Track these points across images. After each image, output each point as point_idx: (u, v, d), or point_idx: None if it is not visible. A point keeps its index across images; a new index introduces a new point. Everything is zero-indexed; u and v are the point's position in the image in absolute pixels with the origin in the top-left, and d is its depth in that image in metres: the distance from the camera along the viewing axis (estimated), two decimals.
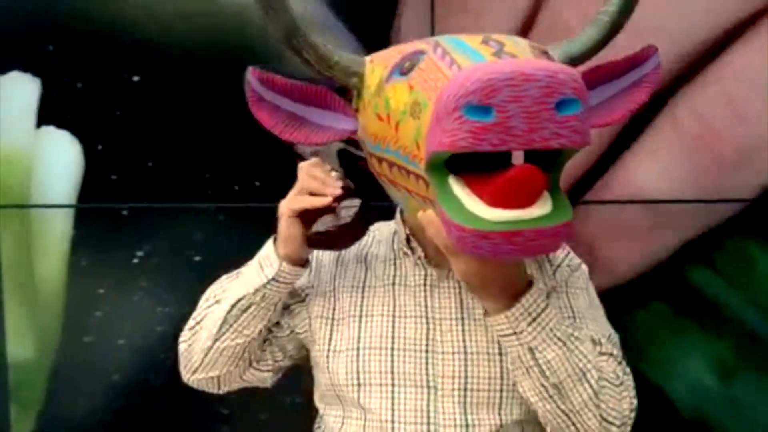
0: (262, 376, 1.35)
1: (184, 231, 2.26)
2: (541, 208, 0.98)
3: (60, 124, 2.26)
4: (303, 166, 1.20)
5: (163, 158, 2.26)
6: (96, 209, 2.27)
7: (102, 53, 2.24)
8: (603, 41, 1.17)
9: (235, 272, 1.33)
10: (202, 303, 1.33)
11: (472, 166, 1.00)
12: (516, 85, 0.91)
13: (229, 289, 1.29)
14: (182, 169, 2.26)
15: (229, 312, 1.25)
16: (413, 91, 1.02)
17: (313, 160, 1.21)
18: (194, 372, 1.31)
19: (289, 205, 1.19)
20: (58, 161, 2.27)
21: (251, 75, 1.09)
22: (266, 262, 1.24)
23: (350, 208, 1.19)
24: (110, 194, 2.27)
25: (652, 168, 2.17)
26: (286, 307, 1.32)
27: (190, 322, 1.33)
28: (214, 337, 1.26)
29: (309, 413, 1.41)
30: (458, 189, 1.00)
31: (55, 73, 2.25)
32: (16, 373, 2.30)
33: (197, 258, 2.25)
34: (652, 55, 1.16)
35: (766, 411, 2.19)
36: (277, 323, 1.32)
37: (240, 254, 1.33)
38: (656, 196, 2.17)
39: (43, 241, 2.28)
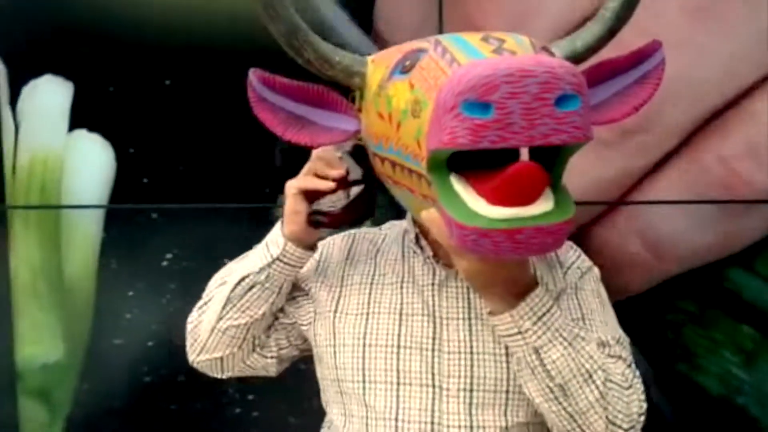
0: (266, 362, 1.35)
1: (214, 234, 2.26)
2: (543, 205, 0.97)
3: (92, 128, 2.28)
4: (315, 150, 1.21)
5: (194, 162, 2.27)
6: (126, 212, 2.29)
7: (134, 57, 2.25)
8: (606, 37, 1.15)
9: (243, 254, 1.34)
10: (211, 284, 1.35)
11: (478, 164, 0.98)
12: (515, 81, 0.90)
13: (236, 270, 1.30)
14: (214, 172, 2.26)
15: (232, 291, 1.26)
16: (414, 89, 1.02)
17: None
18: (199, 353, 1.32)
19: (294, 184, 1.21)
20: (90, 164, 2.29)
21: (253, 76, 1.09)
22: (272, 243, 1.25)
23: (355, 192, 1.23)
24: (141, 197, 2.28)
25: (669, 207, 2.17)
26: (292, 298, 1.32)
27: (199, 303, 1.34)
28: (218, 316, 1.27)
29: None
30: (459, 187, 0.99)
31: (88, 77, 2.27)
32: (45, 374, 2.31)
33: (226, 260, 2.24)
34: (656, 51, 1.14)
35: None
36: (282, 309, 1.32)
37: None
38: (670, 235, 2.16)
39: (73, 243, 2.30)
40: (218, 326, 1.27)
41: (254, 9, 1.06)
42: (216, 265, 2.00)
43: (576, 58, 1.14)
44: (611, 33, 1.15)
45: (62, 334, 2.31)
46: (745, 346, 2.15)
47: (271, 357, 1.34)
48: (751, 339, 2.15)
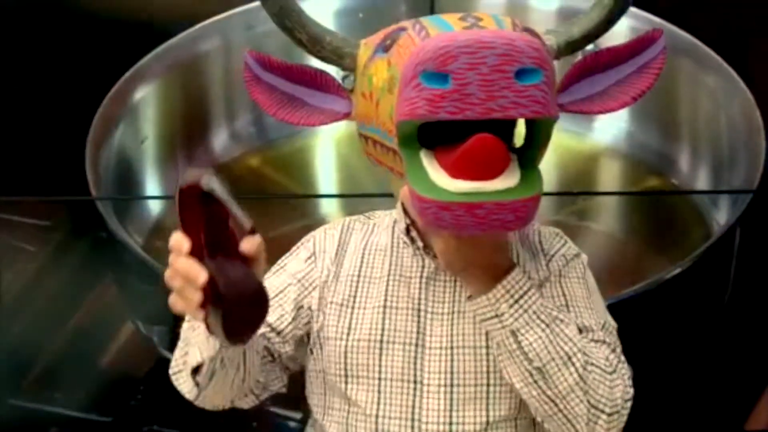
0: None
1: None
2: (506, 181, 0.95)
3: None
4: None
5: None
6: None
7: None
8: (605, 24, 1.12)
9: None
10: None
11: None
12: (473, 52, 0.90)
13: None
14: None
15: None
16: (391, 66, 1.03)
17: None
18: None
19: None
20: None
21: (248, 56, 1.13)
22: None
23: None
24: None
25: None
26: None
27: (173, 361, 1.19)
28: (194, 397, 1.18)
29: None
30: (427, 162, 0.99)
31: None
32: None
33: None
34: (656, 40, 1.10)
35: None
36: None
37: None
38: None
39: None
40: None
41: None
42: None
43: (573, 45, 1.12)
44: (611, 20, 1.11)
45: None
46: None
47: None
48: None
